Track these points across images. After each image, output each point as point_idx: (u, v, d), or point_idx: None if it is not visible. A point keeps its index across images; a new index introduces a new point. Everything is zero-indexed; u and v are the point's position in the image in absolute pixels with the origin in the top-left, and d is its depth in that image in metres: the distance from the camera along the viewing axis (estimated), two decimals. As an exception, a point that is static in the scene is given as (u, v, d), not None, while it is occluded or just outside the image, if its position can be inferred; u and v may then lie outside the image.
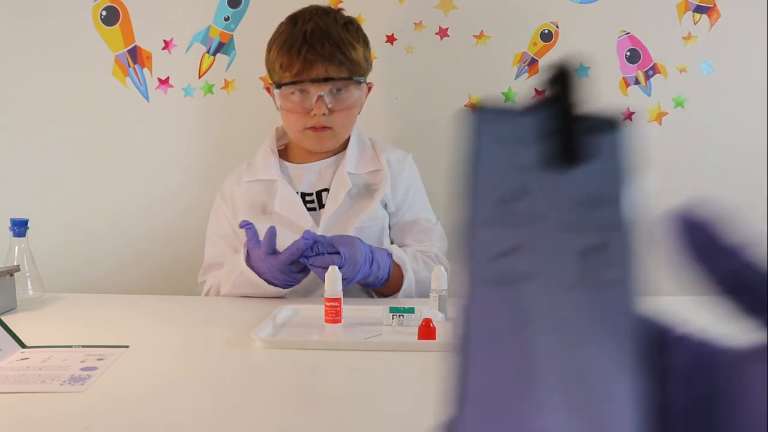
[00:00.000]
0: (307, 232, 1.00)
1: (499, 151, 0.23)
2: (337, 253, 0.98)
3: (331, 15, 1.16)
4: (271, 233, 1.01)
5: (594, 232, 0.22)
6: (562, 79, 0.24)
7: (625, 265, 0.22)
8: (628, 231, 0.22)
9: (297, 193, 1.19)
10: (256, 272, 1.03)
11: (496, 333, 0.21)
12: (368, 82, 1.20)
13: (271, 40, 1.17)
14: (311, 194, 1.20)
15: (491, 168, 0.23)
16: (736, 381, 0.20)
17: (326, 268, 0.90)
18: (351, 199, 1.17)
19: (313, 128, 1.15)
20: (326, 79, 1.10)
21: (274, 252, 1.01)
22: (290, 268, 1.01)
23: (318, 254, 0.99)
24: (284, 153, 1.26)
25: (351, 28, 1.16)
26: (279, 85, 1.13)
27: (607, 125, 0.24)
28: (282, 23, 1.17)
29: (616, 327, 0.21)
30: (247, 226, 1.04)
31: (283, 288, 1.04)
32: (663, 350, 0.22)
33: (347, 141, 1.22)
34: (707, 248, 0.21)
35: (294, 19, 1.15)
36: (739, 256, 0.20)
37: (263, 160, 1.22)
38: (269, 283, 1.03)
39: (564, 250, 0.22)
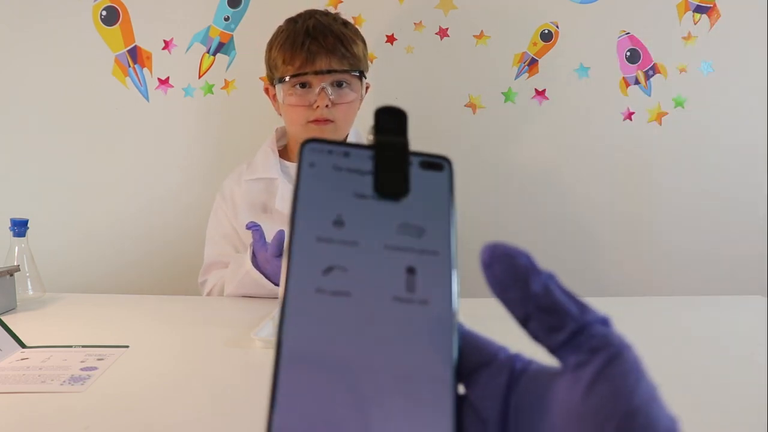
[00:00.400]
0: None
1: (336, 178, 0.26)
2: None
3: (330, 15, 1.19)
4: (281, 237, 1.02)
5: (408, 256, 0.25)
6: (395, 122, 0.27)
7: (438, 287, 0.24)
8: (440, 257, 0.25)
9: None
10: (262, 273, 1.04)
11: (313, 340, 0.23)
12: (367, 81, 1.20)
13: (271, 40, 1.18)
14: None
15: (327, 193, 0.26)
16: (545, 396, 0.23)
17: None
18: None
19: (316, 121, 1.15)
20: (329, 71, 1.11)
21: (281, 254, 1.02)
22: None
23: None
24: (284, 153, 1.27)
25: (350, 26, 1.19)
26: (281, 80, 1.13)
27: (432, 165, 0.27)
28: (281, 25, 1.19)
29: (428, 341, 0.24)
30: (254, 227, 1.04)
31: None
32: (484, 366, 0.25)
33: (345, 139, 1.23)
34: (505, 281, 0.24)
35: (294, 20, 1.17)
36: (531, 286, 0.23)
37: (263, 159, 1.23)
38: (275, 284, 1.03)
39: (381, 270, 0.24)
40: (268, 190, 1.20)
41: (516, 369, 0.24)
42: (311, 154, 0.26)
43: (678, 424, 0.22)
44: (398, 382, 0.23)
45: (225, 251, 1.20)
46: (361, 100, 1.20)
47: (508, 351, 0.25)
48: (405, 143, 0.26)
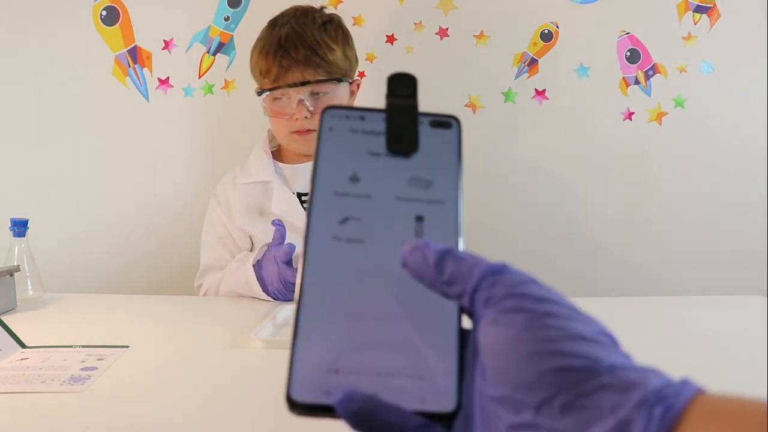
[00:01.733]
0: None
1: (352, 140, 0.29)
2: None
3: (309, 16, 1.15)
4: (290, 250, 1.01)
5: (417, 206, 0.28)
6: (406, 86, 0.30)
7: (444, 232, 0.27)
8: (447, 206, 0.28)
9: (293, 193, 1.19)
10: (261, 269, 1.04)
11: (330, 281, 0.26)
12: (355, 79, 1.18)
13: (255, 42, 1.17)
14: (308, 194, 1.20)
15: (344, 152, 0.29)
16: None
17: None
18: None
19: (298, 132, 1.15)
20: (303, 83, 1.10)
21: (287, 262, 1.02)
22: (287, 284, 1.02)
23: None
24: (277, 154, 1.26)
25: (329, 27, 1.15)
26: (261, 92, 1.13)
27: (441, 123, 0.29)
28: (265, 27, 1.17)
29: None
30: (278, 225, 1.03)
31: (273, 299, 1.05)
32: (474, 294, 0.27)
33: None
34: (417, 273, 0.26)
35: (273, 23, 1.16)
36: (432, 272, 0.26)
37: (257, 162, 1.22)
38: (263, 289, 1.04)
39: (392, 219, 0.28)
40: (263, 193, 1.20)
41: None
42: (330, 119, 0.29)
43: (598, 325, 0.25)
44: (407, 317, 0.26)
45: (220, 255, 1.19)
46: (350, 99, 1.18)
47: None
48: (414, 105, 0.29)
